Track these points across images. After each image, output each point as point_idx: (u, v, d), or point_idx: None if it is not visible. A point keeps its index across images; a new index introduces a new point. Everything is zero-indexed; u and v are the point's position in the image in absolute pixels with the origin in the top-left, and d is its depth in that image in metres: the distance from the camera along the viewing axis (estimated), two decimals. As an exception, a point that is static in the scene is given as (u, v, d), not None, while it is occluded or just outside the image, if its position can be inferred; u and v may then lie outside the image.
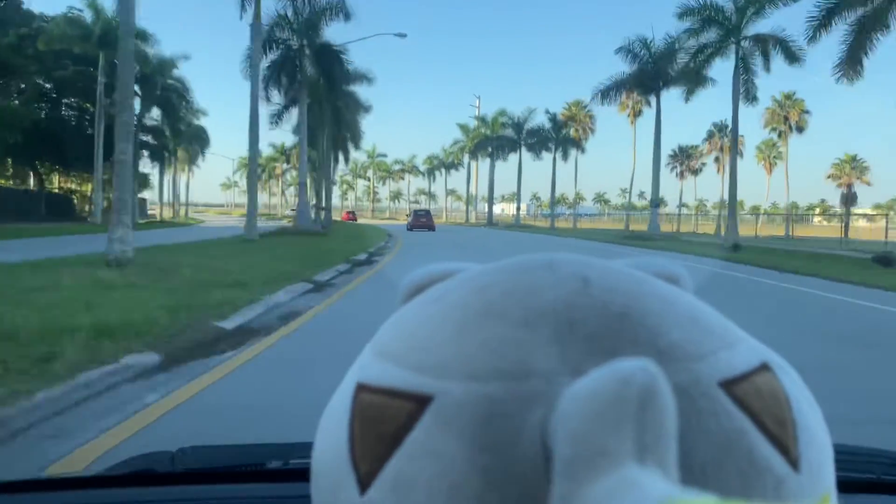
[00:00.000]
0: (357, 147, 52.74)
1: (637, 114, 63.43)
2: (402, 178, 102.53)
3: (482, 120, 64.35)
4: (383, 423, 0.28)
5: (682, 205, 77.13)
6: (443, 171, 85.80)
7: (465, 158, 75.53)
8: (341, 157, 60.68)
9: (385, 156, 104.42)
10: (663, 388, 0.23)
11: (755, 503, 0.26)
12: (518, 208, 61.70)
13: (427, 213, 43.18)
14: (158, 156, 53.82)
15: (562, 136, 53.28)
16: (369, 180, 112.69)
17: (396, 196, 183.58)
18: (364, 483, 0.28)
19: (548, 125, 53.29)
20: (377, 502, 0.27)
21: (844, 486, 0.64)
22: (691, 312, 0.31)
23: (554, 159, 54.10)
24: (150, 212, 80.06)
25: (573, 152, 55.09)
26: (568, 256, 0.33)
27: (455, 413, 0.27)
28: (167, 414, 3.49)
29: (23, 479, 0.93)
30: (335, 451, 0.29)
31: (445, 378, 0.28)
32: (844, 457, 0.79)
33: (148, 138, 52.62)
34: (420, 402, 0.27)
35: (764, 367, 0.30)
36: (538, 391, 0.27)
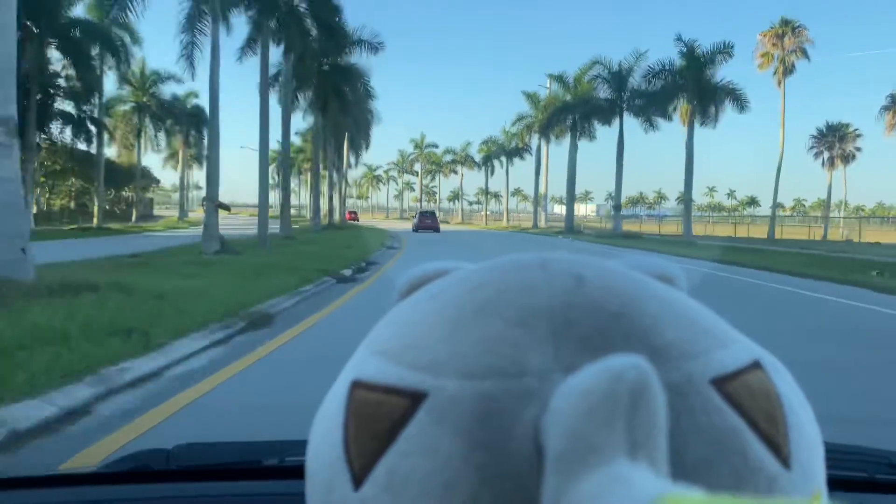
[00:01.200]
0: (364, 104, 33.61)
1: (788, 70, 42.42)
2: (455, 172, 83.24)
3: (560, 80, 44.34)
4: (378, 419, 0.28)
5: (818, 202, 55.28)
6: (503, 160, 66.24)
7: (534, 141, 55.69)
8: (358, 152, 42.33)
9: (436, 146, 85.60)
10: (655, 384, 0.23)
11: (744, 499, 0.26)
12: (617, 206, 41.13)
13: (432, 213, 45.15)
14: (81, 128, 36.07)
15: (705, 81, 31.35)
16: (417, 175, 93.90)
17: (455, 197, 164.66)
18: (358, 479, 0.28)
19: (678, 62, 31.79)
20: (371, 499, 0.27)
21: (835, 485, 0.67)
22: (685, 312, 0.31)
23: (691, 122, 32.27)
24: (155, 212, 65.46)
25: (720, 115, 32.66)
26: (562, 255, 0.33)
27: (449, 410, 0.27)
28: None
29: (20, 476, 0.96)
30: (330, 447, 0.30)
31: (440, 375, 0.28)
32: (835, 455, 0.83)
33: (66, 104, 35.52)
34: (415, 399, 0.28)
35: (756, 366, 0.30)
36: (532, 389, 0.27)
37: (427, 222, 41.17)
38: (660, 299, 0.31)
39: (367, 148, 51.55)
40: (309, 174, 62.92)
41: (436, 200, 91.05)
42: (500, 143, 63.91)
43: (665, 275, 0.35)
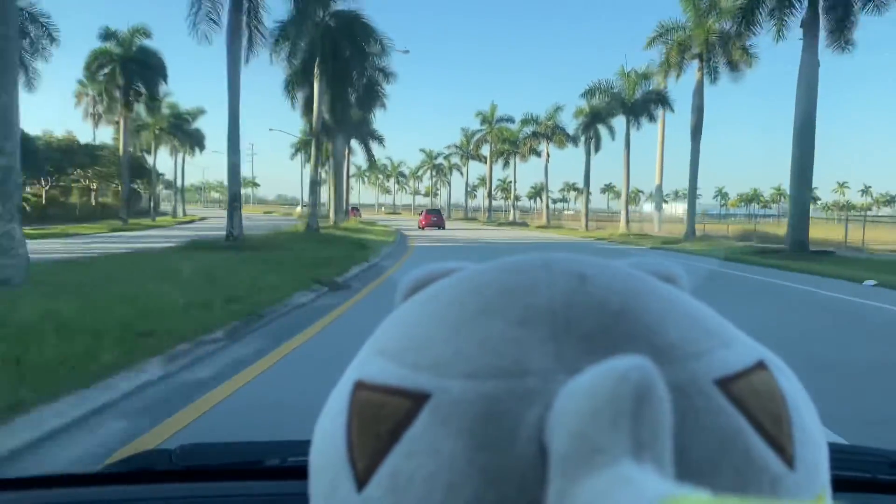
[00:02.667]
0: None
1: None
2: (537, 153, 57.57)
3: None
4: (381, 420, 0.28)
5: None
6: (615, 127, 41.00)
7: (676, 83, 30.19)
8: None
9: (511, 120, 60.74)
10: (659, 385, 0.23)
11: (750, 500, 0.26)
12: None
13: (438, 211, 47.19)
14: None
15: None
16: (484, 160, 69.23)
17: (537, 193, 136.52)
18: (361, 480, 0.28)
19: None
20: (374, 499, 0.27)
21: (840, 485, 0.71)
22: (688, 311, 0.31)
23: None
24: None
25: None
26: (564, 255, 0.33)
27: (452, 411, 0.27)
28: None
29: (21, 476, 0.97)
30: (333, 448, 0.30)
31: (443, 376, 0.28)
32: (840, 455, 0.84)
33: None
34: (418, 400, 0.27)
35: (760, 366, 0.30)
36: (535, 389, 0.27)
37: (433, 219, 42.74)
38: (662, 299, 0.31)
39: (369, 85, 27.82)
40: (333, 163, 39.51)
41: (512, 196, 65.95)
42: (616, 92, 38.35)
43: (667, 274, 0.35)
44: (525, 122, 54.29)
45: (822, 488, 0.29)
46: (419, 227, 41.44)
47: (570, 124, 47.80)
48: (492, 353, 0.28)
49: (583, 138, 44.25)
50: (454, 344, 0.29)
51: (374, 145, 47.99)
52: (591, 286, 0.30)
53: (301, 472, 0.36)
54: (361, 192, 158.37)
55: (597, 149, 44.20)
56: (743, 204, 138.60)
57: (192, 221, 51.23)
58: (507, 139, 59.98)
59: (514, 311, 0.29)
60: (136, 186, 53.84)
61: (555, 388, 0.26)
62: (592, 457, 0.22)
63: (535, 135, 53.38)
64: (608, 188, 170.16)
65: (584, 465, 0.22)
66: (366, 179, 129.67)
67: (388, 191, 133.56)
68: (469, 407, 0.27)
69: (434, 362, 0.28)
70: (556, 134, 51.40)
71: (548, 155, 53.10)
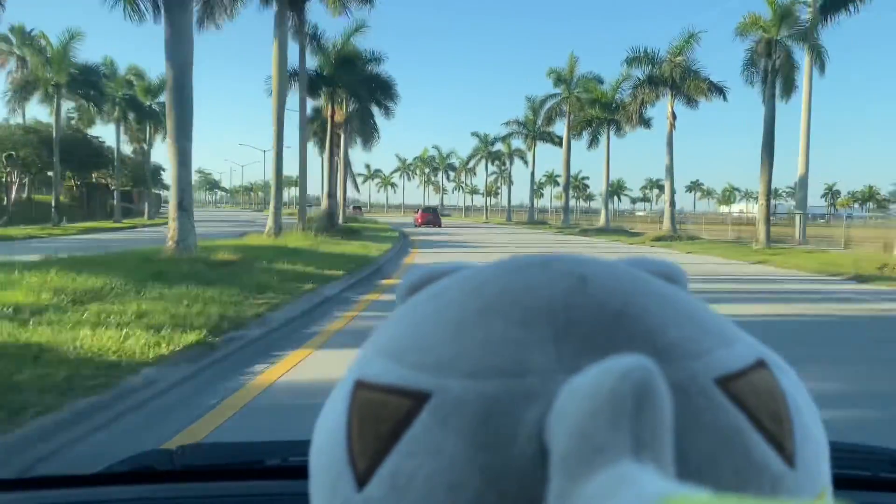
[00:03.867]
0: None
1: None
2: (646, 122, 36.52)
3: None
4: (381, 420, 0.28)
5: None
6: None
7: None
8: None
9: (598, 79, 39.93)
10: (659, 384, 0.23)
11: (750, 499, 0.25)
12: None
13: (434, 210, 48.83)
14: None
15: None
16: (558, 142, 48.29)
17: (615, 191, 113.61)
18: (362, 480, 0.28)
19: None
20: (375, 499, 0.27)
21: (841, 483, 0.72)
22: (689, 311, 0.31)
23: None
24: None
25: None
26: (564, 255, 0.33)
27: (453, 410, 0.27)
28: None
29: (23, 477, 1.06)
30: (333, 447, 0.30)
31: (444, 376, 0.28)
32: (841, 454, 0.85)
33: None
34: (418, 400, 0.28)
35: (760, 365, 0.30)
36: (535, 389, 0.27)
37: (429, 217, 44.94)
38: (663, 298, 0.31)
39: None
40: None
41: (604, 188, 43.30)
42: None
43: (667, 273, 0.35)
44: (633, 61, 32.37)
45: (822, 487, 0.29)
46: (415, 225, 42.97)
47: (714, 65, 26.44)
48: (492, 353, 0.28)
49: (758, 76, 23.06)
50: (455, 344, 0.29)
51: (383, 128, 28.26)
52: (591, 287, 0.30)
53: (301, 472, 0.37)
54: (408, 191, 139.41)
55: (787, 92, 23.04)
56: (857, 204, 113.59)
57: (133, 227, 33.39)
58: (596, 101, 38.78)
59: (514, 311, 0.29)
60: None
61: (555, 387, 0.26)
62: (593, 456, 0.22)
63: (650, 82, 32.00)
64: (694, 185, 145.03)
65: (584, 464, 0.22)
66: (411, 175, 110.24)
67: (439, 188, 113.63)
68: (469, 407, 0.27)
69: (435, 362, 0.29)
70: (688, 79, 30.11)
71: (673, 116, 31.14)
